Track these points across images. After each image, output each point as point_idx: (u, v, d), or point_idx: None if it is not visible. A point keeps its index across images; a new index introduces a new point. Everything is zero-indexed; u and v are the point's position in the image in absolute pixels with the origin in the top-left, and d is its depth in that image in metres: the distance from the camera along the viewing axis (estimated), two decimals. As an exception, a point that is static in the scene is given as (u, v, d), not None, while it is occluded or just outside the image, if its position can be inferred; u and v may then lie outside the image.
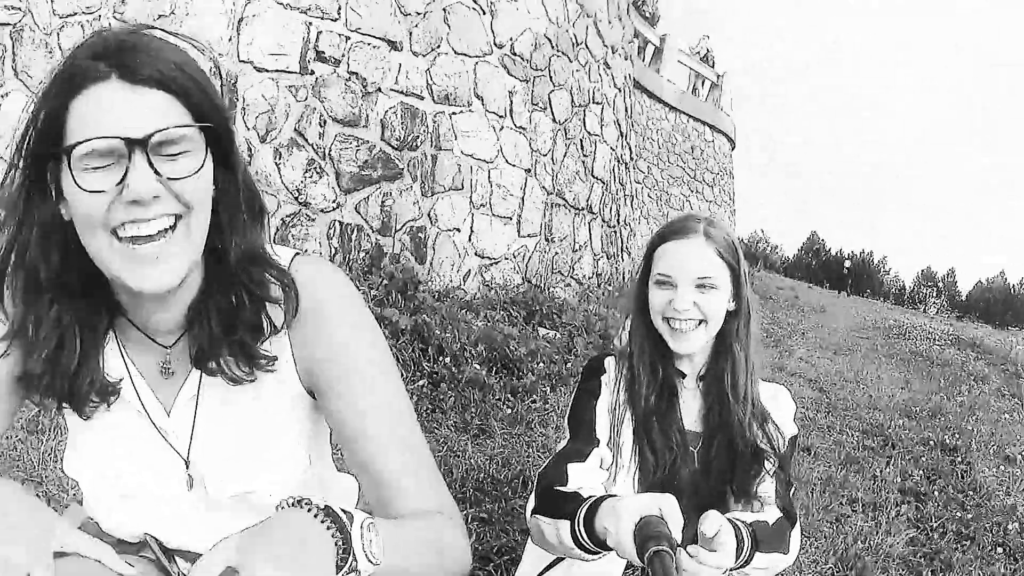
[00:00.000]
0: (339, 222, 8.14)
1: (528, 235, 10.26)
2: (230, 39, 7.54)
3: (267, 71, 7.74)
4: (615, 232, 13.18)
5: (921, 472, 6.33)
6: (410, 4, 8.62)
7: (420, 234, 8.82)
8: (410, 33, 8.65)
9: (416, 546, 1.32)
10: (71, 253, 1.32)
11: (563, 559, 2.12)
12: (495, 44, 9.60)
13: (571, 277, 11.31)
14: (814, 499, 5.02)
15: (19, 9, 6.93)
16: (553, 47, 10.52)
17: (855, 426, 7.68)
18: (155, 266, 1.27)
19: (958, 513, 5.36)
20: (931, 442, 7.33)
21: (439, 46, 8.95)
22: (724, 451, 2.21)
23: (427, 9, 8.79)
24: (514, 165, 9.94)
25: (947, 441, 7.38)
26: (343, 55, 8.15)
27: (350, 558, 1.13)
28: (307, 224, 7.93)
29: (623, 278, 13.19)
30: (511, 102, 9.86)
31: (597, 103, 11.98)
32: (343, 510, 1.17)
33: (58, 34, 7.00)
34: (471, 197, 9.36)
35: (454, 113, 9.12)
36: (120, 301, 1.43)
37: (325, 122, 8.05)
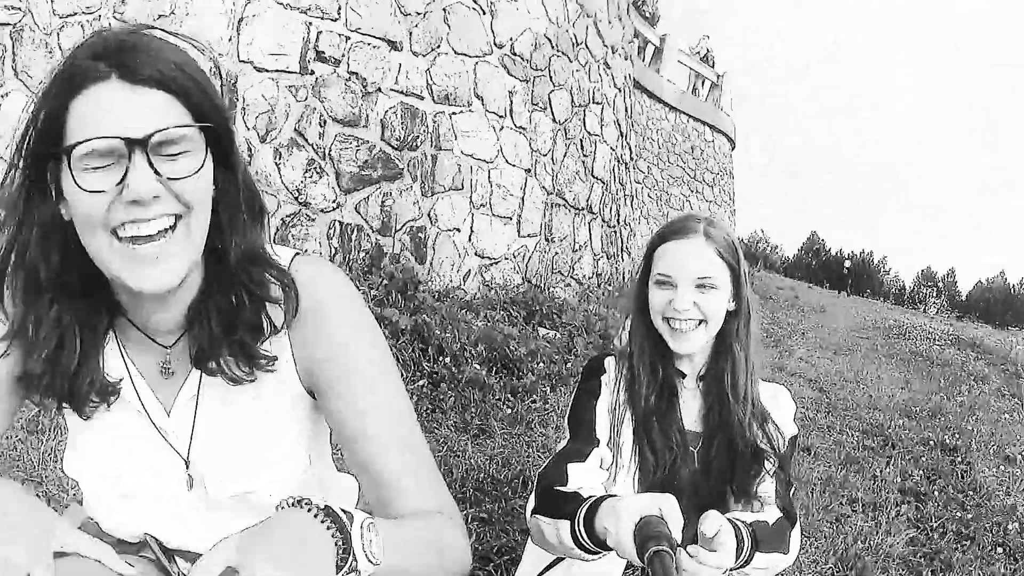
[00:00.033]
0: (339, 222, 8.14)
1: (528, 235, 10.26)
2: (230, 39, 7.54)
3: (267, 71, 7.74)
4: (615, 232, 13.19)
5: (921, 472, 6.33)
6: (410, 4, 8.62)
7: (420, 234, 8.82)
8: (410, 33, 8.66)
9: (416, 546, 1.31)
10: (71, 253, 1.32)
11: (563, 559, 2.12)
12: (495, 44, 9.60)
13: (571, 277, 11.31)
14: (814, 499, 5.02)
15: (19, 9, 6.93)
16: (553, 47, 10.52)
17: (855, 426, 7.69)
18: (155, 266, 1.27)
19: (958, 513, 5.36)
20: (931, 442, 7.33)
21: (439, 46, 8.95)
22: (724, 451, 2.21)
23: (427, 9, 8.79)
24: (514, 165, 9.95)
25: (947, 441, 7.39)
26: (343, 55, 8.15)
27: (350, 558, 1.13)
28: (307, 224, 7.93)
29: (623, 278, 13.19)
30: (511, 102, 9.86)
31: (597, 103, 11.98)
32: (343, 510, 1.17)
33: (58, 34, 7.00)
34: (471, 197, 9.36)
35: (454, 113, 9.12)
36: (120, 301, 1.43)
37: (325, 122, 8.06)
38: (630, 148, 14.41)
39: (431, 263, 8.90)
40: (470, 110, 9.28)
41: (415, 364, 6.10)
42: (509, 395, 6.02)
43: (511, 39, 9.80)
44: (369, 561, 1.16)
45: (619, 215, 13.45)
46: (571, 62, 11.00)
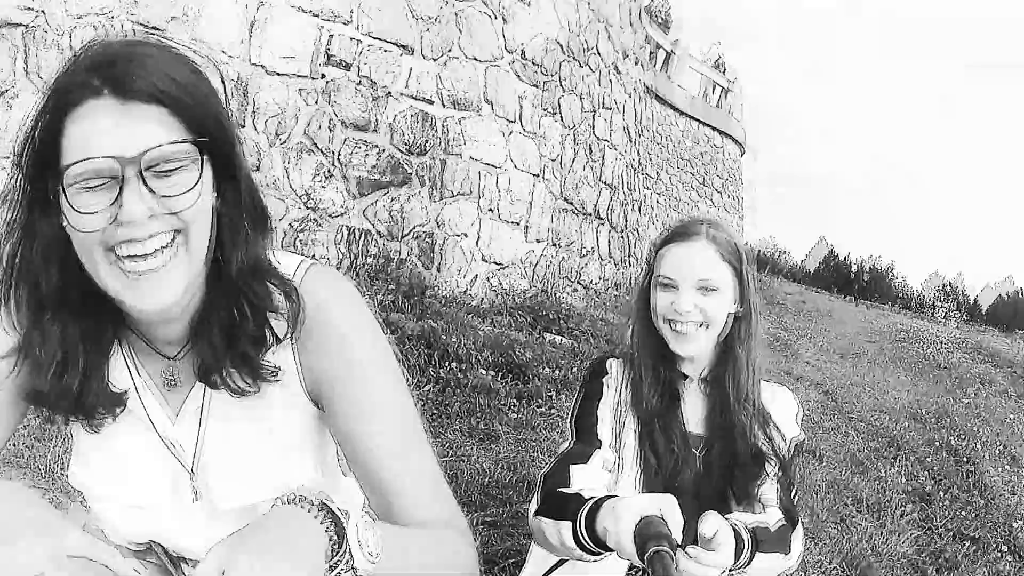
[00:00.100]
0: (348, 227, 8.16)
1: (536, 240, 10.27)
2: (242, 42, 7.56)
3: (279, 75, 7.76)
4: (623, 237, 13.18)
5: (927, 474, 6.32)
6: (422, 8, 8.64)
7: (428, 239, 8.83)
8: (422, 37, 8.67)
9: (421, 555, 1.32)
10: (72, 268, 1.31)
11: (567, 561, 2.13)
12: (506, 49, 9.61)
13: (579, 282, 11.31)
14: (819, 501, 5.01)
15: (32, 9, 6.95)
16: (564, 52, 10.53)
17: (861, 429, 7.67)
18: (153, 285, 1.27)
19: (963, 513, 5.35)
20: (937, 444, 7.31)
21: (451, 50, 8.96)
22: (726, 454, 2.22)
23: (439, 14, 8.81)
24: (523, 170, 9.95)
25: (953, 443, 7.36)
26: (354, 59, 8.17)
27: (345, 555, 1.13)
28: (315, 229, 7.94)
29: (631, 284, 13.17)
30: (521, 107, 9.87)
31: (607, 108, 11.98)
32: (340, 507, 1.16)
33: (71, 35, 7.02)
34: (479, 202, 9.37)
35: (464, 118, 9.13)
36: (125, 314, 1.42)
37: (335, 126, 8.07)
38: (639, 153, 14.39)
39: (439, 268, 8.91)
40: (480, 115, 9.29)
41: (422, 369, 6.12)
42: (516, 400, 6.03)
43: (522, 44, 9.81)
44: (366, 559, 1.15)
45: (628, 220, 13.44)
46: (582, 67, 11.01)
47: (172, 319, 1.39)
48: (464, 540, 1.44)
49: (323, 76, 8.01)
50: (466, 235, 9.22)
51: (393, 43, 8.44)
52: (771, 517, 2.08)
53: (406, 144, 8.54)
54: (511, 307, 8.96)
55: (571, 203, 11.02)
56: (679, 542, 1.52)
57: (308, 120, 7.93)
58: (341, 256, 8.09)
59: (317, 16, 7.92)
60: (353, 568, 1.14)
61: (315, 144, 7.96)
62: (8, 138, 6.86)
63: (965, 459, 6.91)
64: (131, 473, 1.53)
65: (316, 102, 7.97)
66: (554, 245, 10.66)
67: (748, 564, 1.85)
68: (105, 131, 1.20)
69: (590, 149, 11.47)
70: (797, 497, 2.32)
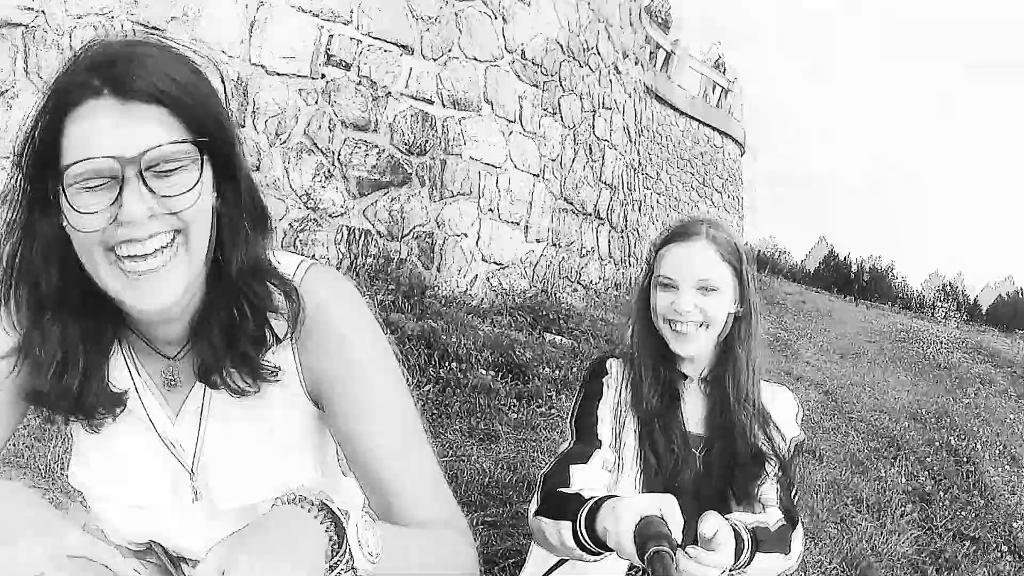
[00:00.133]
0: (348, 227, 8.16)
1: (536, 240, 10.27)
2: (242, 42, 7.56)
3: (279, 74, 7.77)
4: (624, 237, 13.18)
5: (927, 473, 6.32)
6: (422, 8, 8.65)
7: (428, 239, 8.84)
8: (422, 37, 8.68)
9: (421, 555, 1.31)
10: (72, 268, 1.31)
11: (567, 561, 2.13)
12: (506, 49, 9.61)
13: (579, 283, 11.31)
14: (819, 501, 5.02)
15: (32, 9, 6.95)
16: (564, 52, 10.53)
17: (861, 429, 7.67)
18: (153, 285, 1.27)
19: (963, 513, 5.36)
20: (937, 444, 7.31)
21: (450, 50, 8.97)
22: (726, 454, 2.22)
23: (439, 13, 8.81)
24: (523, 170, 9.96)
25: (953, 443, 7.37)
26: (354, 59, 8.18)
27: (345, 554, 1.13)
28: (315, 229, 7.95)
29: (631, 283, 13.17)
30: (521, 107, 9.87)
31: (607, 108, 11.98)
32: (340, 507, 1.16)
33: (71, 35, 7.02)
34: (479, 202, 9.37)
35: (464, 118, 9.14)
36: (125, 313, 1.42)
37: (335, 126, 8.08)
38: (639, 153, 14.40)
39: (439, 268, 8.91)
40: (480, 115, 9.30)
41: (422, 369, 6.12)
42: (516, 400, 6.04)
43: (522, 44, 9.81)
44: (366, 559, 1.15)
45: (628, 220, 13.45)
46: (582, 67, 11.01)
47: (172, 319, 1.39)
48: (464, 540, 1.43)
49: (323, 76, 8.01)
50: (466, 235, 9.22)
51: (393, 43, 8.45)
52: (771, 517, 2.08)
53: (406, 144, 8.55)
54: (511, 307, 8.97)
55: (571, 203, 11.03)
56: (679, 542, 1.52)
57: (308, 120, 7.93)
58: (341, 256, 8.09)
59: (317, 16, 7.93)
60: (353, 568, 1.14)
61: (315, 144, 7.97)
62: (8, 138, 6.86)
63: (965, 459, 6.91)
64: (131, 473, 1.53)
65: (316, 102, 7.97)
66: (554, 245, 10.66)
67: (748, 564, 1.85)
68: (105, 131, 1.20)
69: (590, 149, 11.47)
70: (797, 497, 2.32)
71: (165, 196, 1.23)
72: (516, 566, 3.36)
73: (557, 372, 6.76)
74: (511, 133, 9.73)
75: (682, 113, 26.25)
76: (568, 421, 2.27)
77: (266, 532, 1.09)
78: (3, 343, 1.39)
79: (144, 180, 1.21)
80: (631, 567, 2.07)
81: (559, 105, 10.56)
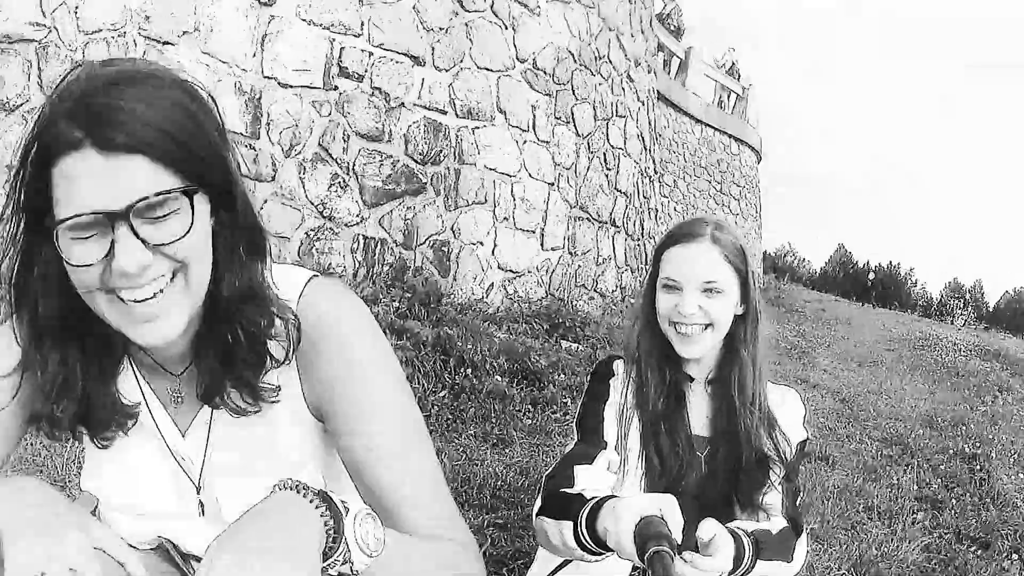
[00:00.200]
0: (363, 236, 8.21)
1: (551, 248, 10.29)
2: (254, 55, 7.64)
3: (291, 86, 7.83)
4: (639, 245, 13.17)
5: (939, 480, 6.27)
6: (433, 19, 8.70)
7: (443, 248, 8.87)
8: (433, 48, 8.73)
9: (423, 562, 1.32)
10: (73, 297, 1.29)
11: (571, 561, 2.12)
12: (518, 59, 9.65)
13: (594, 290, 11.31)
14: (830, 507, 5.00)
15: (44, 26, 7.03)
16: (576, 61, 10.56)
17: (875, 435, 7.61)
18: (155, 322, 1.26)
19: (974, 520, 5.32)
20: (951, 451, 7.26)
21: (462, 61, 9.01)
22: (731, 457, 2.21)
23: (450, 24, 8.86)
24: (537, 179, 9.98)
25: (967, 450, 7.30)
26: (366, 70, 8.23)
27: (341, 545, 1.13)
28: (331, 238, 8.00)
29: (647, 291, 13.12)
30: (534, 116, 9.90)
31: (621, 116, 11.99)
32: (340, 500, 1.16)
33: (83, 51, 7.10)
34: (494, 211, 9.40)
35: (477, 127, 9.17)
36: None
37: (349, 137, 8.13)
38: (654, 161, 14.40)
39: (454, 276, 8.94)
40: (493, 124, 9.33)
41: (437, 376, 6.14)
42: (531, 406, 6.04)
43: (533, 53, 9.85)
44: (363, 551, 1.15)
45: (643, 228, 13.44)
46: (594, 76, 11.03)
47: (173, 343, 1.37)
48: (467, 555, 1.43)
49: (336, 88, 8.08)
50: (482, 243, 9.25)
51: (404, 54, 8.50)
52: (775, 524, 2.06)
53: (420, 154, 8.59)
54: (527, 315, 8.97)
55: (586, 211, 11.04)
56: (679, 542, 1.52)
57: (322, 131, 7.99)
58: (357, 265, 8.14)
59: (328, 29, 8.00)
60: (349, 562, 1.14)
61: (329, 154, 8.02)
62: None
63: (979, 467, 6.85)
64: (142, 485, 1.54)
65: (329, 113, 8.04)
66: (570, 253, 10.67)
67: (750, 571, 1.84)
68: (89, 188, 1.16)
69: (604, 157, 11.48)
70: (804, 503, 2.31)
71: (159, 244, 1.21)
72: (525, 567, 3.37)
73: (573, 379, 6.75)
74: (525, 142, 9.76)
75: (697, 121, 26.24)
76: (574, 422, 2.27)
77: (266, 519, 1.09)
78: (8, 358, 1.40)
79: (135, 231, 1.18)
80: (634, 568, 2.07)
81: (572, 114, 10.58)
